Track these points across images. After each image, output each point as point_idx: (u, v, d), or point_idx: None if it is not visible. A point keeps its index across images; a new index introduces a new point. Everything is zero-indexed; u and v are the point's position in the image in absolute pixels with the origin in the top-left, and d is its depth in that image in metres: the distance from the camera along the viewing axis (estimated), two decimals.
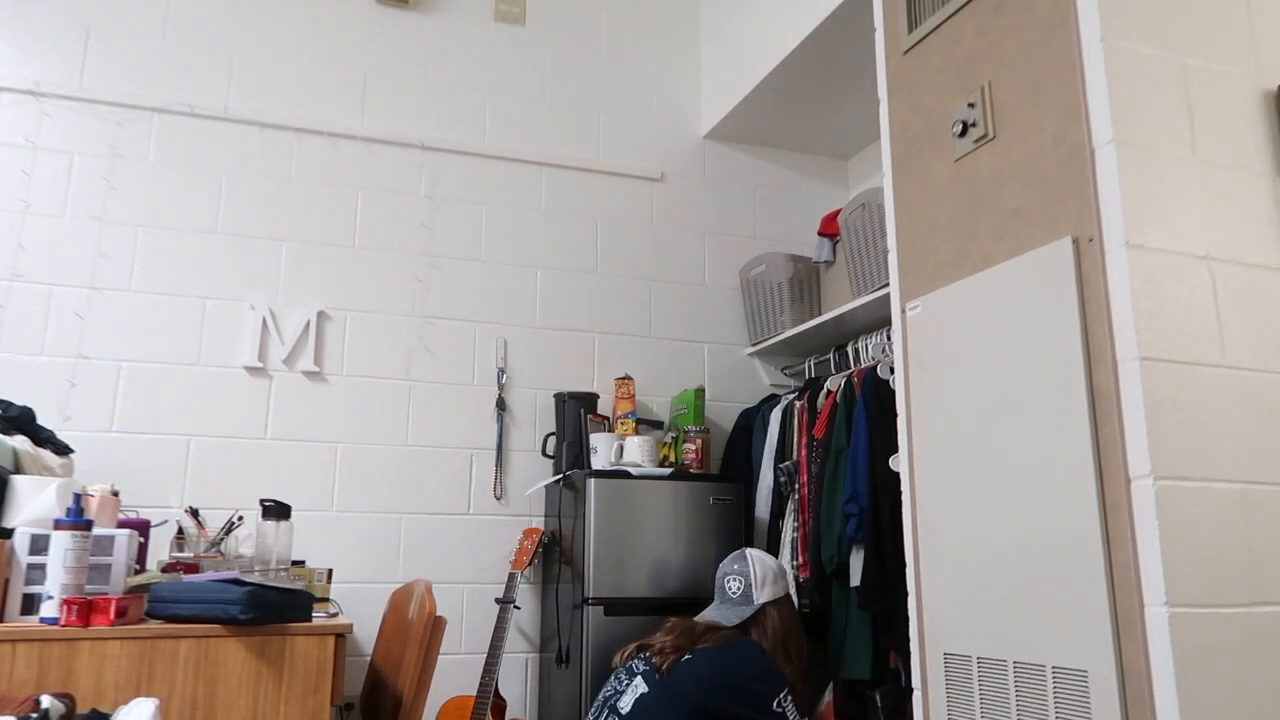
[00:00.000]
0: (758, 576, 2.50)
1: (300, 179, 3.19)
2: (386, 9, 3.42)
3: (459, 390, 3.23)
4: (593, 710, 2.42)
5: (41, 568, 1.95)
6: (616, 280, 3.50)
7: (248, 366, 3.02)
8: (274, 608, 2.00)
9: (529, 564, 3.02)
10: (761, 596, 2.48)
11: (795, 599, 2.67)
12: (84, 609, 1.89)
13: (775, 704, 2.21)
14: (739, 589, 2.49)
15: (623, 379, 3.26)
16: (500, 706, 2.87)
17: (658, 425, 3.31)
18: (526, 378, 3.32)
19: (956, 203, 2.08)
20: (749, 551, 2.58)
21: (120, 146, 3.03)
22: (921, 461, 2.10)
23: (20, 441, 2.24)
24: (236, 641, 1.96)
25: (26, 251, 2.89)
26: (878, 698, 2.51)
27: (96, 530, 2.02)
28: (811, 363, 3.36)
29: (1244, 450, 1.69)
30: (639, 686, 2.30)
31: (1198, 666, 1.54)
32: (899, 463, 2.20)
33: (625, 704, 2.30)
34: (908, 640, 2.11)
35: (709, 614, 2.51)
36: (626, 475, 2.90)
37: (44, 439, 2.37)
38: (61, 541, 1.90)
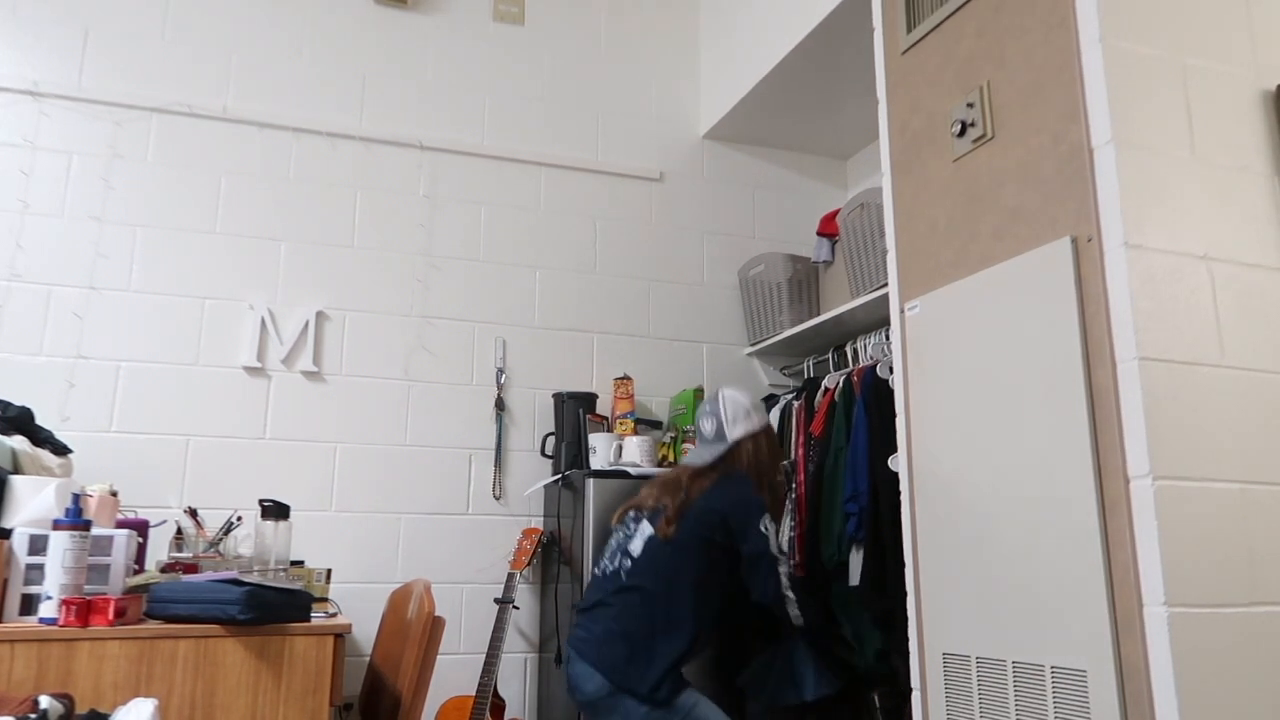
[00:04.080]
0: (728, 414, 2.56)
1: (299, 179, 3.19)
2: (385, 9, 3.41)
3: (458, 390, 3.23)
4: (605, 555, 2.50)
5: (40, 568, 1.95)
6: (615, 280, 3.49)
7: (246, 366, 3.02)
8: (273, 608, 2.00)
9: (528, 564, 3.02)
10: (734, 432, 2.54)
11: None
12: (83, 609, 1.89)
13: (761, 526, 2.38)
14: (712, 429, 2.58)
15: (621, 379, 3.26)
16: (499, 706, 2.87)
17: (656, 425, 3.31)
18: (525, 378, 3.32)
19: (955, 203, 2.08)
20: (722, 391, 2.63)
21: (119, 146, 3.03)
22: (920, 461, 2.10)
23: (19, 441, 2.24)
24: (235, 642, 1.96)
25: (25, 252, 2.88)
26: (876, 698, 2.51)
27: (95, 530, 2.02)
28: (810, 363, 3.36)
29: (1243, 450, 1.69)
30: (645, 530, 2.42)
31: (1196, 666, 1.54)
32: (898, 462, 2.20)
33: (635, 547, 2.41)
34: (906, 640, 2.12)
35: (690, 457, 2.62)
36: (625, 475, 2.90)
37: (43, 439, 2.37)
38: (60, 542, 1.90)
